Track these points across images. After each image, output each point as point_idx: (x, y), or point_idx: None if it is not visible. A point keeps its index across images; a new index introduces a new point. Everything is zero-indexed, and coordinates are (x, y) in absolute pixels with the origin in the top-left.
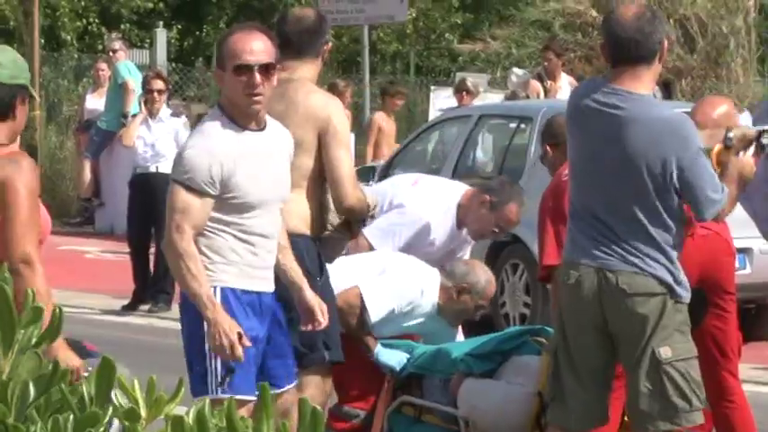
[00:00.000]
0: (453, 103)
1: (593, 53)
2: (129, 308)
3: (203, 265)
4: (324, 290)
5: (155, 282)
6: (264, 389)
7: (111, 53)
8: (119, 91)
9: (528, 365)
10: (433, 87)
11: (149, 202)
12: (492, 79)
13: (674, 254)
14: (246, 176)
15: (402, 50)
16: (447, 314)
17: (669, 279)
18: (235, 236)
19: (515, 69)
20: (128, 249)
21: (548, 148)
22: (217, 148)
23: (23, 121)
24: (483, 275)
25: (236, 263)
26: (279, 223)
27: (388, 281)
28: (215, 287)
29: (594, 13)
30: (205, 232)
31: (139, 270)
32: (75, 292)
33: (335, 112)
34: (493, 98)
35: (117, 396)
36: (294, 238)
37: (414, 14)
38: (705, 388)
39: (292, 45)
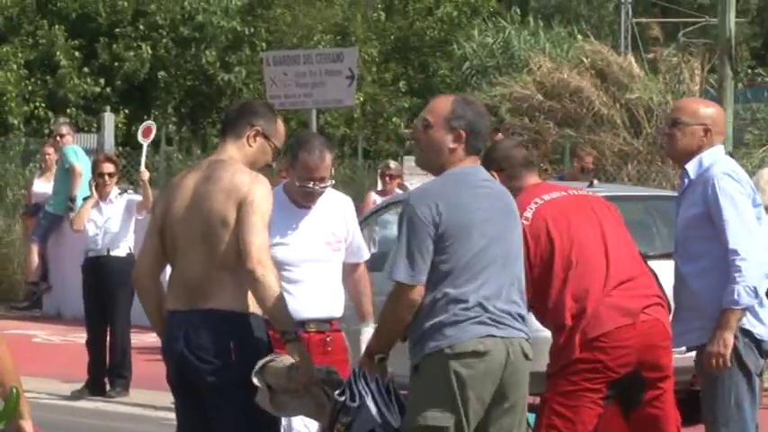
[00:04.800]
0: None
1: (540, 137)
2: (80, 394)
3: None
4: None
5: (112, 366)
6: None
7: (58, 137)
8: (66, 175)
9: None
10: (380, 171)
11: (103, 286)
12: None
13: None
14: None
15: (350, 134)
16: None
17: None
18: None
19: None
20: (76, 333)
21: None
22: None
23: None
24: None
25: None
26: None
27: None
28: None
29: (541, 98)
30: None
31: (95, 356)
32: (23, 376)
33: (258, 188)
34: None
35: None
36: (255, 319)
37: (361, 99)
38: None
39: (223, 128)
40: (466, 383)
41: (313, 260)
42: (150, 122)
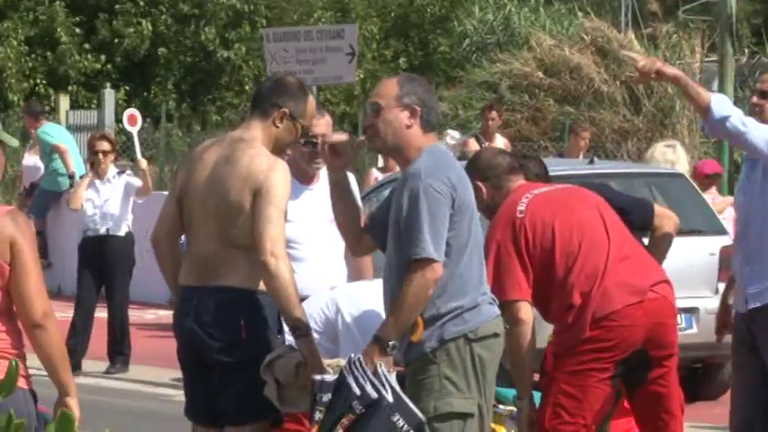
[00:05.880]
0: None
1: (540, 114)
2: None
3: None
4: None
5: (112, 344)
6: None
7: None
8: (50, 154)
9: None
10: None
11: (102, 266)
12: (438, 140)
13: None
14: None
15: (350, 111)
16: None
17: None
18: None
19: (450, 131)
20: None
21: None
22: None
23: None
24: None
25: None
26: None
27: None
28: None
29: (541, 75)
30: None
31: (80, 332)
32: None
33: (275, 175)
34: None
35: None
36: (265, 298)
37: (362, 75)
38: None
39: (252, 103)
40: (487, 366)
41: (317, 237)
42: (133, 110)
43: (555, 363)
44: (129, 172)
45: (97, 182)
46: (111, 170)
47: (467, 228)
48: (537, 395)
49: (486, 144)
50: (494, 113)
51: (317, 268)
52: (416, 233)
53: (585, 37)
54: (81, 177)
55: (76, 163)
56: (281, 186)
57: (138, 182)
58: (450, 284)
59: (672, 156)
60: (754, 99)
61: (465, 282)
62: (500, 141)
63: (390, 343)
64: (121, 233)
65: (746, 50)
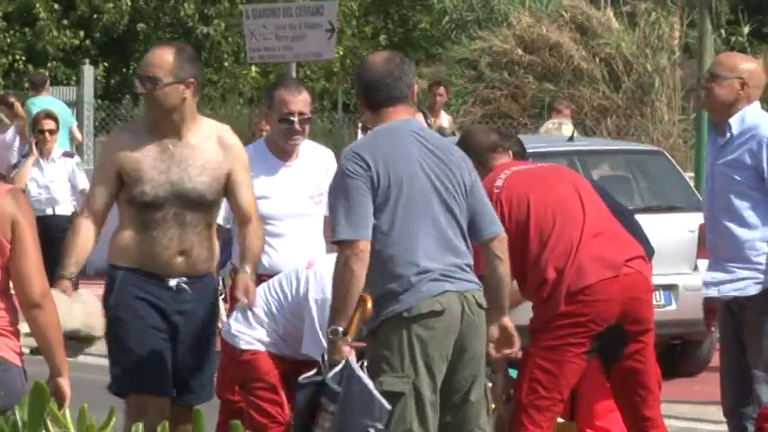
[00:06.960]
0: None
1: (519, 91)
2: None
3: None
4: None
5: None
6: None
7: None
8: None
9: None
10: (360, 125)
11: (49, 245)
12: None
13: None
14: None
15: (330, 88)
16: None
17: None
18: None
19: None
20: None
21: None
22: None
23: None
24: None
25: None
26: None
27: None
28: None
29: (521, 52)
30: None
31: None
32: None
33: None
34: None
35: (49, 424)
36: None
37: (341, 52)
38: (626, 422)
39: None
40: (428, 344)
41: (296, 214)
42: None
43: (531, 338)
44: (77, 160)
45: (42, 161)
46: (57, 150)
47: (392, 207)
48: (514, 372)
49: (432, 120)
50: (441, 89)
51: (296, 244)
52: (333, 217)
53: (565, 14)
54: (25, 156)
55: (60, 139)
56: (99, 158)
57: (84, 182)
58: (381, 267)
59: (556, 133)
60: (704, 82)
61: (396, 264)
62: (444, 118)
63: (330, 328)
64: (67, 213)
65: (722, 31)
